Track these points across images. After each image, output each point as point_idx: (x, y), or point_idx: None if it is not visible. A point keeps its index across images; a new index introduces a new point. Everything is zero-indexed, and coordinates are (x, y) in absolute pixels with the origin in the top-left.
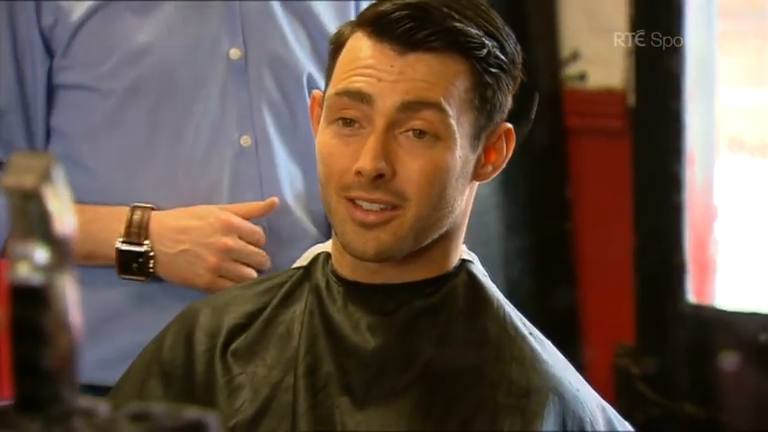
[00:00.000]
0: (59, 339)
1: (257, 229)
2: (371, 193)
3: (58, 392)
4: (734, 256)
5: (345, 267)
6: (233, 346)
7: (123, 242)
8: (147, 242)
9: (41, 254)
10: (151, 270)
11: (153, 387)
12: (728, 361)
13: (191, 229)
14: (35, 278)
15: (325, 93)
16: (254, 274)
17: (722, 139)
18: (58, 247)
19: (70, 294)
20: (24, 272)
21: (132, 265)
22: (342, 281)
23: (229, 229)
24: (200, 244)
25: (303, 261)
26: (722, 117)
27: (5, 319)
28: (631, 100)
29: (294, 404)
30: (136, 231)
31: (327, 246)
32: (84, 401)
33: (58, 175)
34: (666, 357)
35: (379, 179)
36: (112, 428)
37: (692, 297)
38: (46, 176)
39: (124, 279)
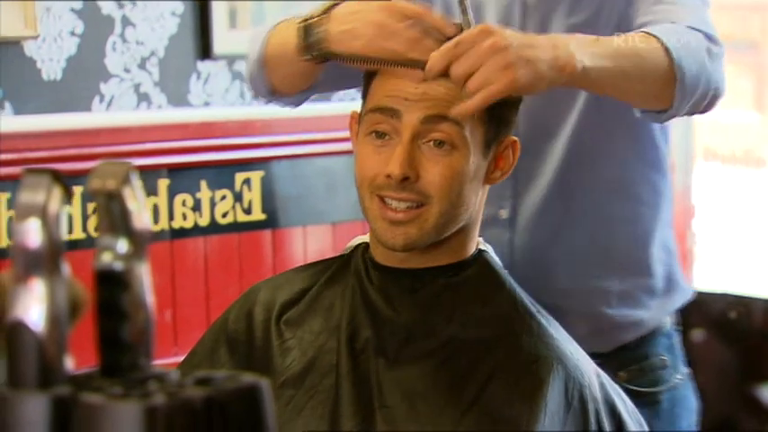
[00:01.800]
0: (137, 316)
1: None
2: (399, 192)
3: (136, 361)
4: (708, 247)
5: (380, 255)
6: (285, 316)
7: (300, 22)
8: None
9: (122, 245)
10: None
11: (221, 353)
12: (701, 335)
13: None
14: (117, 265)
15: (361, 111)
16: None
17: (698, 150)
18: (136, 239)
19: (146, 279)
20: (108, 259)
21: (309, 40)
22: (377, 266)
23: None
24: (368, 11)
25: (346, 250)
26: (698, 131)
27: (92, 300)
28: None
29: (337, 365)
30: (314, 15)
31: (366, 237)
32: (158, 369)
33: (136, 179)
34: None
35: (405, 181)
36: (181, 390)
37: None
38: (126, 180)
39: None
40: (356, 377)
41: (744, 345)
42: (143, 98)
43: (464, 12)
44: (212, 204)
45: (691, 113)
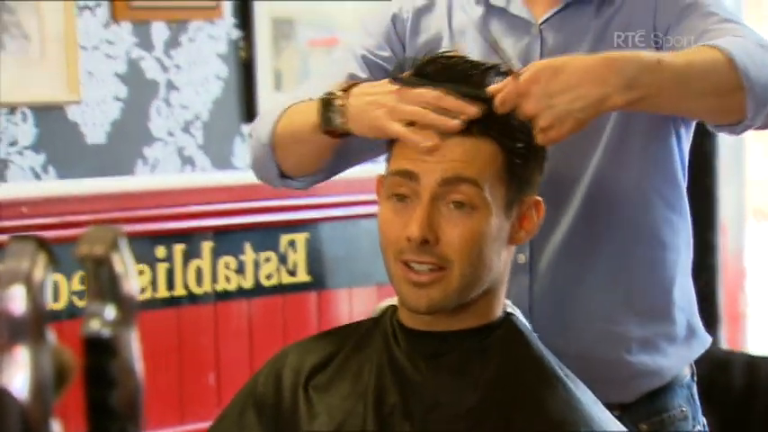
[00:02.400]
0: (126, 383)
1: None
2: (420, 256)
3: (125, 429)
4: (762, 309)
5: (406, 318)
6: (313, 381)
7: (325, 95)
8: (343, 96)
9: (110, 311)
10: (343, 122)
11: (249, 416)
12: (758, 398)
13: (377, 87)
14: (105, 332)
15: (385, 174)
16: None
17: (749, 210)
18: (125, 305)
19: (134, 345)
20: (96, 326)
21: (328, 114)
22: (404, 329)
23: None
24: (382, 93)
25: (375, 313)
26: (750, 191)
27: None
28: None
29: (363, 429)
30: (335, 91)
31: (395, 299)
32: None
33: (124, 244)
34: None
35: (425, 244)
36: None
37: (725, 345)
38: (114, 246)
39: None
40: None
41: None
42: (187, 161)
43: (498, 53)
44: (256, 266)
45: (767, 125)
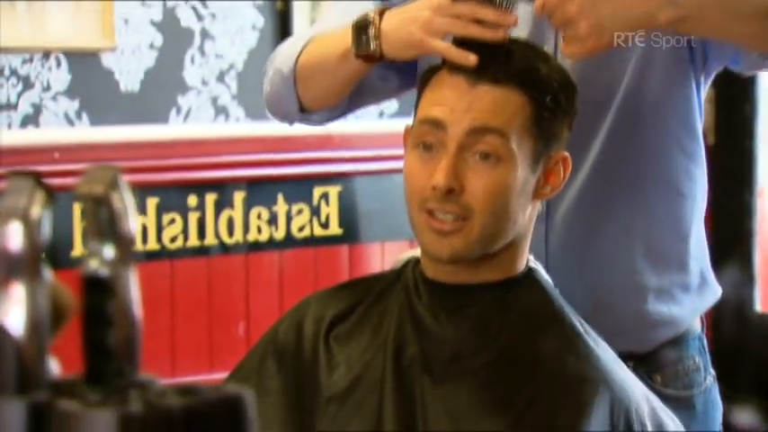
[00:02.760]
0: (123, 323)
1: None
2: (444, 205)
3: (120, 368)
4: None
5: (430, 270)
6: (334, 331)
7: (355, 23)
8: (376, 18)
9: (109, 250)
10: (378, 42)
11: (269, 364)
12: None
13: (411, 6)
14: (103, 271)
15: (412, 124)
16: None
17: None
18: (123, 245)
19: (133, 286)
20: (94, 265)
21: (362, 37)
22: (426, 281)
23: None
24: (417, 9)
25: (397, 265)
26: None
27: (78, 306)
28: (711, 139)
29: (382, 380)
30: (368, 15)
31: (417, 251)
32: (143, 377)
33: (124, 183)
34: (738, 357)
35: (450, 194)
36: (161, 399)
37: (759, 307)
38: (113, 185)
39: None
40: (401, 394)
41: None
42: (221, 111)
43: None
44: (288, 218)
45: None
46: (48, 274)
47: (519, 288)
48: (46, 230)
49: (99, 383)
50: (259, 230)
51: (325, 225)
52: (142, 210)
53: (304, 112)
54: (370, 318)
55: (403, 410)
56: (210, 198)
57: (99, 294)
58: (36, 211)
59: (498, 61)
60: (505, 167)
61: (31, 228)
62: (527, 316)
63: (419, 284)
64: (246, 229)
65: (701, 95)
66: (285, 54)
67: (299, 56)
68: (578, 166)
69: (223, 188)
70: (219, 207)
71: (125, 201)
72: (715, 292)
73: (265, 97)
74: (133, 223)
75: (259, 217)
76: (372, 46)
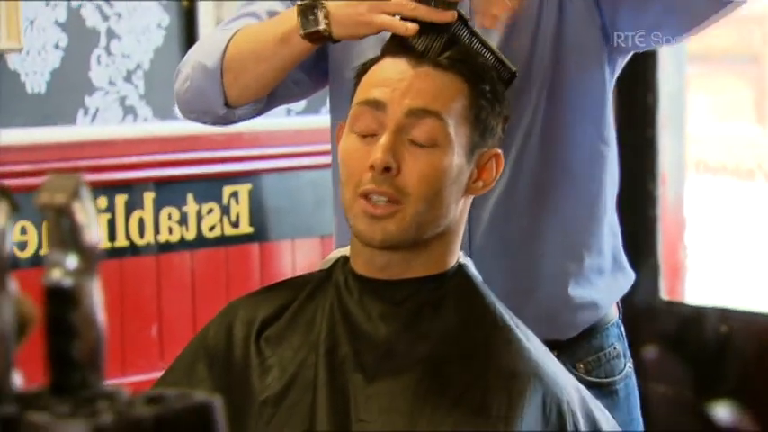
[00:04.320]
0: (87, 334)
1: None
2: (379, 185)
3: (86, 379)
4: (701, 259)
5: (360, 266)
6: (265, 333)
7: (300, 4)
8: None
9: (72, 261)
10: (326, 20)
11: (199, 369)
12: (694, 347)
13: None
14: (66, 281)
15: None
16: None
17: (690, 162)
18: (86, 255)
19: (96, 295)
20: (57, 276)
21: (309, 17)
22: (357, 277)
23: None
24: None
25: (325, 265)
26: (690, 143)
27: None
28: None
29: (315, 378)
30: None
31: (346, 250)
32: (109, 387)
33: (86, 193)
34: (643, 344)
35: (386, 173)
36: (131, 409)
37: (664, 294)
38: (75, 194)
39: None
40: (333, 392)
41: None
42: (128, 111)
43: None
44: (199, 218)
45: None
46: (13, 285)
47: (450, 283)
48: (10, 241)
49: (65, 395)
50: (170, 231)
51: (235, 224)
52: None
53: (227, 108)
54: (302, 318)
55: (336, 409)
56: (120, 199)
57: (62, 305)
58: (0, 222)
59: (441, 46)
60: (442, 152)
61: None
62: (458, 312)
63: (349, 281)
64: (157, 229)
65: (612, 81)
66: (207, 48)
67: (226, 47)
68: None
69: (132, 189)
70: (129, 208)
71: (88, 210)
72: (629, 275)
73: (180, 96)
74: (96, 233)
75: (169, 217)
76: (322, 25)
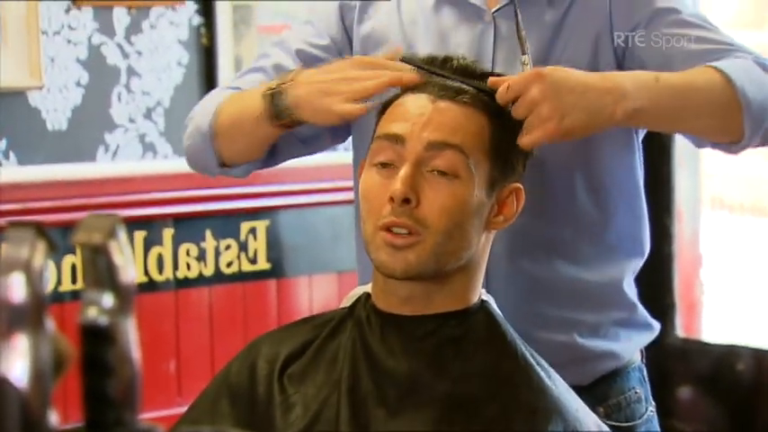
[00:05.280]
0: (122, 372)
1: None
2: (399, 217)
3: (121, 417)
4: (717, 297)
5: (382, 301)
6: (288, 370)
7: (268, 90)
8: (290, 85)
9: (108, 299)
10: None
11: (222, 405)
12: (712, 385)
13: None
14: (102, 320)
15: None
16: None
17: (705, 199)
18: (122, 293)
19: (132, 334)
20: (93, 314)
21: (276, 104)
22: (379, 313)
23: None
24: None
25: (347, 302)
26: (705, 180)
27: (77, 355)
28: None
29: (337, 415)
30: (281, 82)
31: (368, 287)
32: (144, 424)
33: (122, 233)
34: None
35: (406, 204)
36: None
37: (680, 332)
38: (112, 234)
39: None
40: (356, 428)
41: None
42: (148, 148)
43: (522, 47)
44: (217, 254)
45: (764, 143)
46: (50, 324)
47: (472, 320)
48: (47, 280)
49: None
50: (188, 267)
51: (253, 260)
52: (71, 249)
53: (224, 167)
54: (324, 355)
55: None
56: (139, 235)
57: (98, 343)
58: (38, 261)
59: (464, 82)
60: (462, 185)
61: (33, 278)
62: (480, 349)
63: (371, 318)
64: (175, 265)
65: (641, 158)
66: (203, 110)
67: (216, 113)
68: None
69: (151, 225)
70: (148, 244)
71: (123, 250)
72: (652, 328)
73: (185, 150)
74: (132, 272)
75: (188, 253)
76: (288, 114)
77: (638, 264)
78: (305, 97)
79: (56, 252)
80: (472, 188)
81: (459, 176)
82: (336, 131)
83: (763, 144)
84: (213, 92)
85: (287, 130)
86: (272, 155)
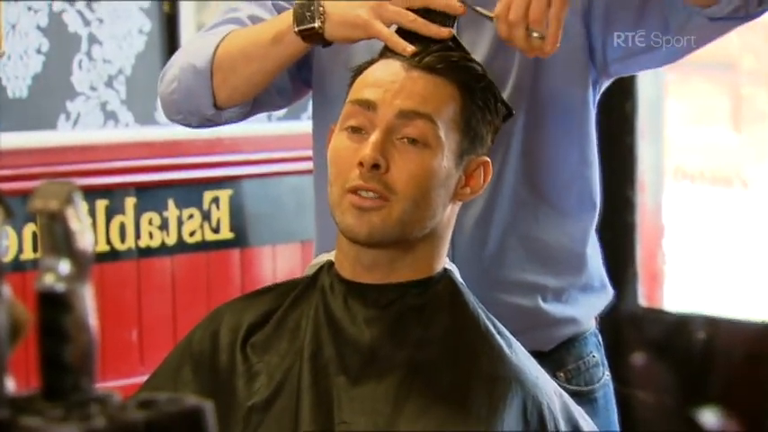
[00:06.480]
0: (79, 338)
1: None
2: (367, 181)
3: (78, 383)
4: (680, 267)
5: (346, 268)
6: (251, 339)
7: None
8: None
9: (65, 266)
10: (322, 18)
11: (185, 373)
12: (673, 353)
13: None
14: (59, 286)
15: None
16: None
17: (668, 169)
18: (79, 260)
19: (89, 300)
20: (50, 281)
21: (306, 14)
22: (342, 281)
23: None
24: None
25: (310, 270)
26: (668, 150)
27: (34, 322)
28: None
29: (299, 382)
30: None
31: (332, 255)
32: (100, 391)
33: (79, 199)
34: (622, 350)
35: (375, 169)
36: (123, 413)
37: (643, 301)
38: (68, 200)
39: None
40: (317, 395)
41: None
42: (110, 116)
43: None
44: (180, 223)
45: (736, 14)
46: (6, 289)
47: (435, 289)
48: (5, 247)
49: (57, 399)
50: (150, 236)
51: (216, 230)
52: (32, 218)
53: (215, 109)
54: (287, 324)
55: (319, 411)
56: (101, 204)
57: (55, 310)
58: None
59: (436, 51)
60: (431, 154)
61: None
62: (443, 317)
63: (335, 285)
64: (138, 235)
65: (596, 100)
66: (196, 49)
67: (216, 47)
68: None
69: (113, 194)
70: (110, 213)
71: (80, 216)
72: (609, 293)
73: (166, 97)
74: (89, 239)
75: (150, 223)
76: (317, 23)
77: (595, 216)
78: (336, 8)
79: (12, 218)
80: (441, 157)
81: (428, 145)
82: (299, 86)
83: (735, 15)
84: (194, 37)
85: (305, 48)
86: (253, 105)
